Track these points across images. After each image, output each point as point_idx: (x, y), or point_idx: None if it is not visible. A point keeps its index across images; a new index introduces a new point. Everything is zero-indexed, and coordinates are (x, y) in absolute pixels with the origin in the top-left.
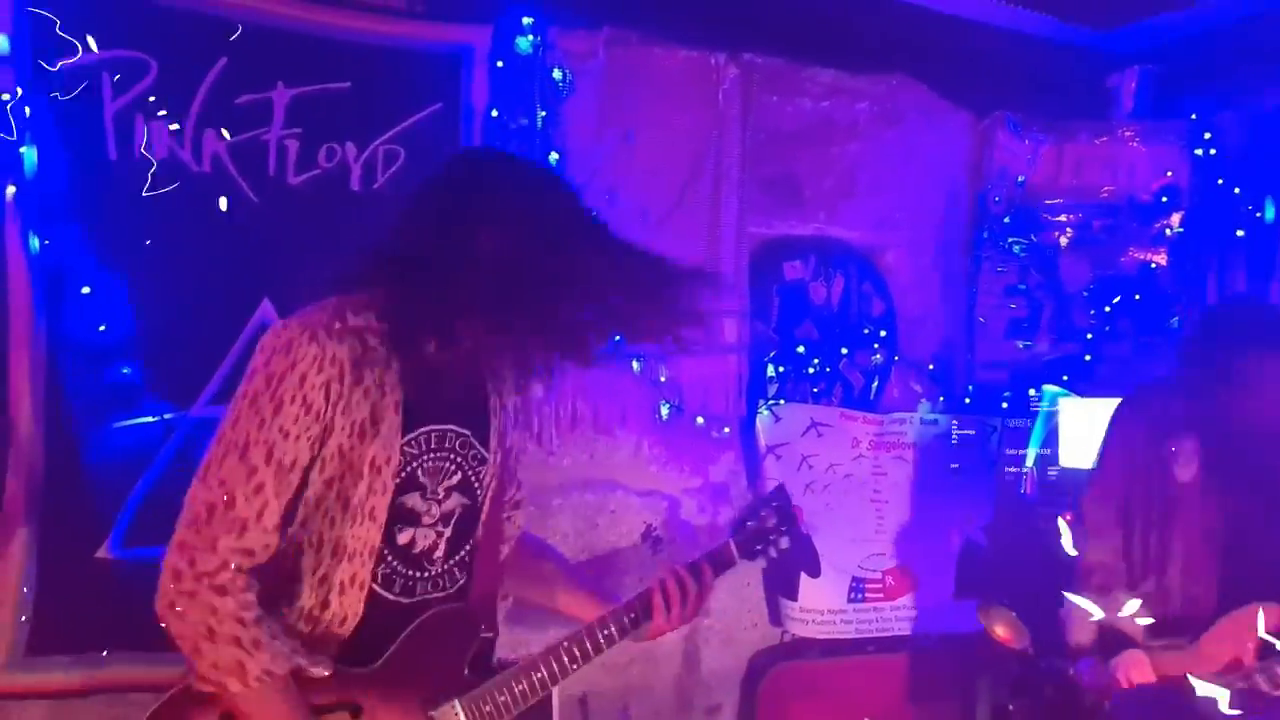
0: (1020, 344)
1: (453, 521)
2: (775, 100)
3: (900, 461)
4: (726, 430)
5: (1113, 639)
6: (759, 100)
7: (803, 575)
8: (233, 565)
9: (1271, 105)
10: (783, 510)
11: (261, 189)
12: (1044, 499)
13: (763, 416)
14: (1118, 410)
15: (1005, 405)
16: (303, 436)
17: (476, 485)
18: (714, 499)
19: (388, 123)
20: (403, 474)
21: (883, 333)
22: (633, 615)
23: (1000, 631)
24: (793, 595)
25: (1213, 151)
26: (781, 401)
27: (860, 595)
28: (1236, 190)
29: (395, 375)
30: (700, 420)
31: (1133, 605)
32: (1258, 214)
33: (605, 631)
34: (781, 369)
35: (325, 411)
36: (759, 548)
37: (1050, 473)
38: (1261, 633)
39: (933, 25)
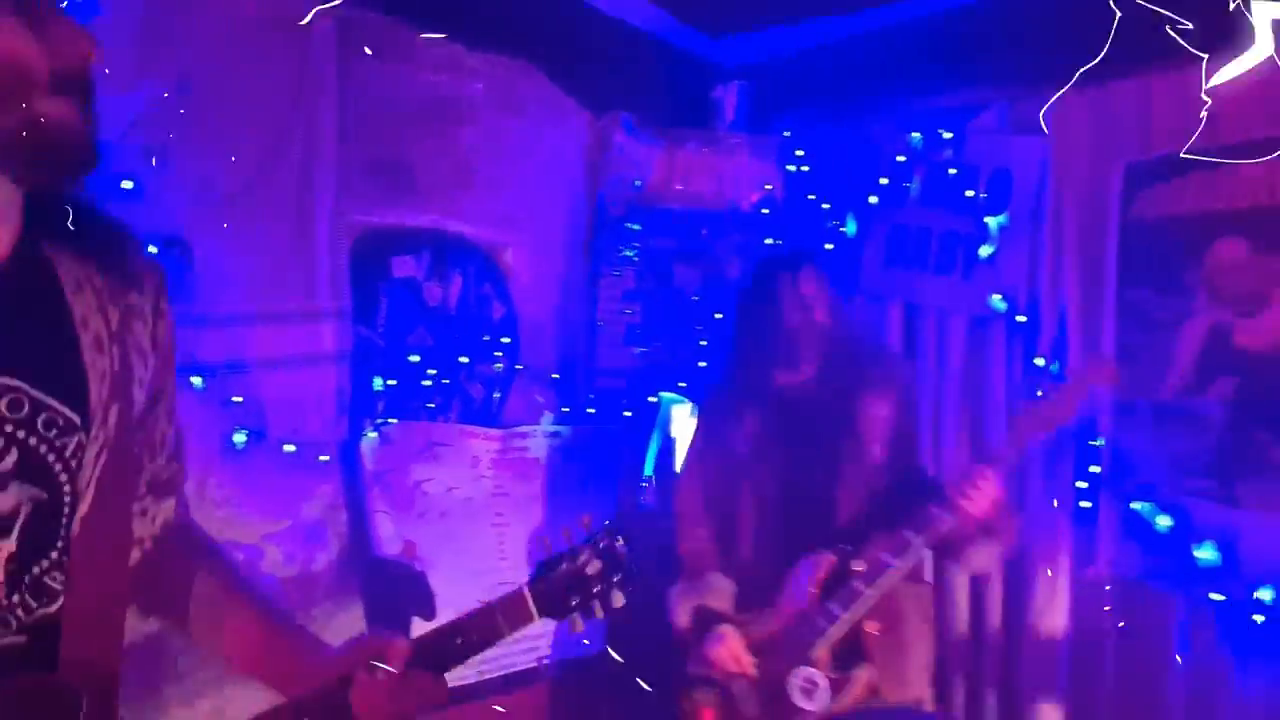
0: (638, 350)
1: (18, 526)
2: (383, 67)
3: (523, 479)
4: (324, 458)
5: (709, 618)
6: (362, 64)
7: (415, 620)
8: None
9: (850, 126)
10: (610, 552)
11: None
12: (664, 508)
13: (369, 439)
14: (699, 405)
15: (627, 414)
16: None
17: (61, 467)
18: (306, 542)
19: None
20: None
21: (505, 339)
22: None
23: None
24: None
25: (805, 168)
26: (392, 420)
27: None
28: (826, 206)
29: None
30: (289, 447)
31: (720, 582)
32: (841, 229)
33: None
34: (391, 382)
35: None
36: (574, 603)
37: (667, 480)
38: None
39: (553, 7)
